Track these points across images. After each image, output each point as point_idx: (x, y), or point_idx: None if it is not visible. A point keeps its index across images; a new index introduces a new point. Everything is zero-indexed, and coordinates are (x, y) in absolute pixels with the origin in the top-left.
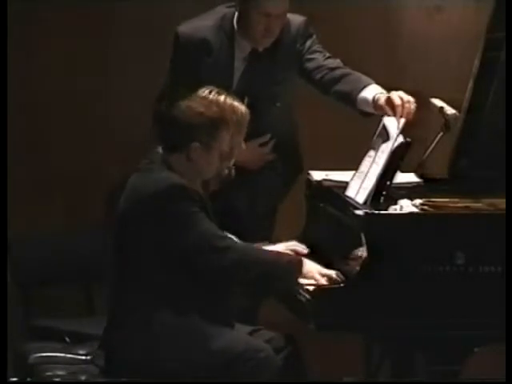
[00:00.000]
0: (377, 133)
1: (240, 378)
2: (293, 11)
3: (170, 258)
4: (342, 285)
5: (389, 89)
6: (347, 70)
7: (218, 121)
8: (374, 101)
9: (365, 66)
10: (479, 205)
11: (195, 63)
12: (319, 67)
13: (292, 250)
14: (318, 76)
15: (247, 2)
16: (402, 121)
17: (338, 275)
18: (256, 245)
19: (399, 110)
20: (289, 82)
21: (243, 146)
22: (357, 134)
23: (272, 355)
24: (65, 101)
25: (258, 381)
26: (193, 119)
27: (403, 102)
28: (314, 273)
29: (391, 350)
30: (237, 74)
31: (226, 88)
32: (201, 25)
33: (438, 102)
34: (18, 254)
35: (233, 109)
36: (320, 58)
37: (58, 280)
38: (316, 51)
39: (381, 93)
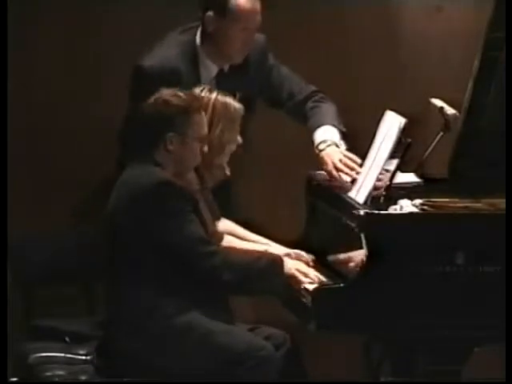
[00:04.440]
0: (377, 133)
1: (241, 375)
2: (293, 11)
3: (161, 256)
4: (341, 284)
5: (390, 89)
6: (315, 103)
7: (187, 108)
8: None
9: (365, 65)
10: (479, 205)
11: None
12: (289, 95)
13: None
14: (289, 104)
15: (223, 20)
16: (403, 121)
17: (315, 276)
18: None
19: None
20: (257, 95)
21: (239, 139)
22: (357, 134)
23: (273, 353)
24: (65, 101)
25: (258, 380)
26: (163, 110)
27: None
28: (293, 270)
29: (391, 350)
30: None
31: None
32: (166, 55)
33: (438, 102)
34: (18, 254)
35: (224, 104)
36: (286, 84)
37: (58, 280)
38: (281, 76)
39: (325, 142)
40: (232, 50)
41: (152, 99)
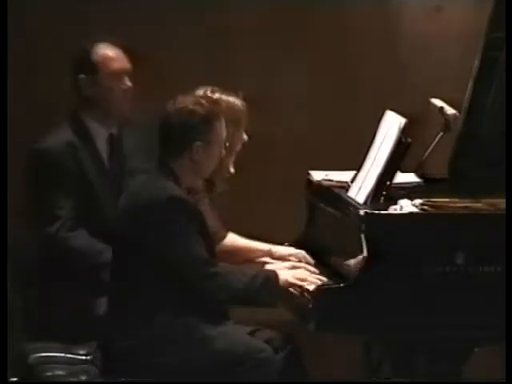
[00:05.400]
0: (377, 133)
1: (241, 378)
2: (294, 12)
3: (163, 267)
4: (341, 285)
5: (390, 89)
6: None
7: (210, 115)
8: None
9: (365, 65)
10: (479, 205)
11: (67, 171)
12: None
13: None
14: None
15: (96, 77)
16: (403, 121)
17: (315, 279)
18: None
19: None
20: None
21: (245, 137)
22: (357, 134)
23: (272, 355)
24: (65, 101)
25: (258, 381)
26: (187, 119)
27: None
28: (291, 280)
29: (391, 350)
30: (104, 156)
31: (100, 169)
32: (58, 133)
33: (438, 102)
34: (18, 254)
35: (229, 105)
36: None
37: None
38: None
39: None
40: (114, 103)
41: (174, 109)
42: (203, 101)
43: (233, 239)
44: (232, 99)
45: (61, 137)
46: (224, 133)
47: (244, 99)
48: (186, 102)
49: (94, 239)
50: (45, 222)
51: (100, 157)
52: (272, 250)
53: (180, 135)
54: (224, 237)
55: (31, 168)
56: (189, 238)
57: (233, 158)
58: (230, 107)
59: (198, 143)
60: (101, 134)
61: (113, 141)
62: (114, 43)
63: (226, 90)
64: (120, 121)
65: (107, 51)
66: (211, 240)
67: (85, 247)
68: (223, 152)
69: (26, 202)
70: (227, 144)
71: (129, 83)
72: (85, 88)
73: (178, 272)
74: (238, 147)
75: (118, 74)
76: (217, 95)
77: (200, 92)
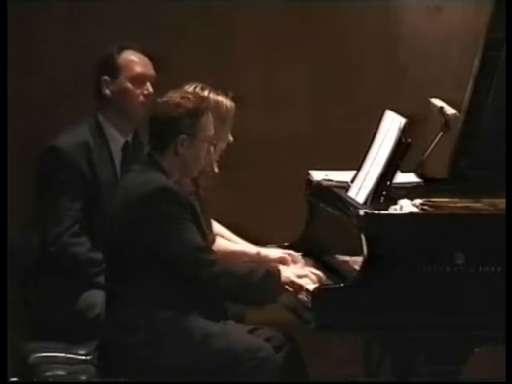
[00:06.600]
0: (377, 133)
1: (241, 376)
2: (294, 11)
3: (160, 261)
4: (341, 284)
5: (390, 89)
6: None
7: (196, 110)
8: None
9: (365, 65)
10: (479, 205)
11: (80, 170)
12: None
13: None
14: None
15: (118, 80)
16: (403, 121)
17: (315, 275)
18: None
19: None
20: None
21: (230, 138)
22: (357, 134)
23: (272, 354)
24: (65, 101)
25: (258, 381)
26: (172, 112)
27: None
28: (292, 277)
29: (391, 350)
30: (117, 164)
31: (111, 175)
32: (73, 132)
33: (438, 102)
34: (18, 253)
35: (216, 103)
36: None
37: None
38: None
39: None
40: (132, 107)
41: (161, 102)
42: (190, 96)
43: (219, 244)
44: (220, 98)
45: (76, 136)
46: (212, 130)
47: (233, 99)
48: (173, 95)
49: (95, 249)
50: (52, 220)
51: (113, 163)
52: (260, 254)
53: (165, 127)
54: (213, 241)
55: (43, 164)
56: (183, 226)
57: (215, 156)
58: (217, 105)
59: (183, 136)
60: (117, 140)
61: (127, 150)
62: (141, 50)
63: (216, 88)
64: (137, 128)
65: (132, 56)
66: (206, 234)
67: (84, 256)
68: (212, 150)
69: (37, 200)
70: (214, 142)
71: (150, 89)
72: (106, 89)
73: (176, 263)
74: (222, 146)
75: (140, 78)
76: (206, 93)
77: (190, 88)
